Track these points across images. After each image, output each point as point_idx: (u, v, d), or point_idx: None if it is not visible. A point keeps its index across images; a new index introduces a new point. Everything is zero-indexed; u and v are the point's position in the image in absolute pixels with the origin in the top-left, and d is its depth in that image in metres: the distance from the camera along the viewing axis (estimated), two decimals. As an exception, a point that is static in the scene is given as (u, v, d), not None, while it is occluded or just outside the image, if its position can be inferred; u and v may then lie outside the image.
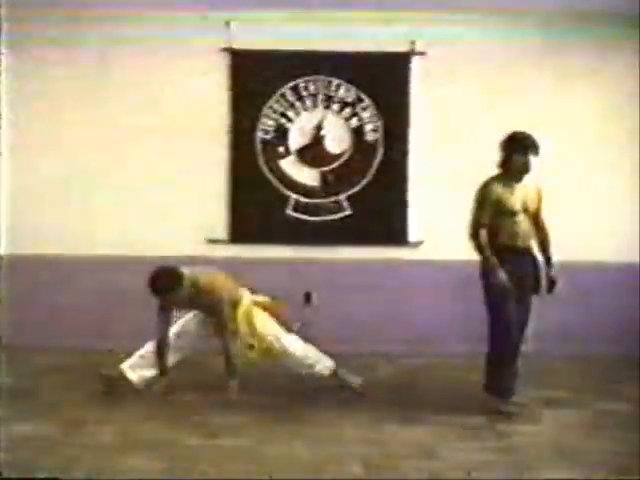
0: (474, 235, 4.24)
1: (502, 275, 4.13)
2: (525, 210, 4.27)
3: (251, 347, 4.50)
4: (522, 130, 4.32)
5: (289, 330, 4.63)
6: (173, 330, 4.61)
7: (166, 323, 4.56)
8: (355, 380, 4.65)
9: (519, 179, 4.27)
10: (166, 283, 4.40)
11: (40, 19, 5.78)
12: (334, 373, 4.62)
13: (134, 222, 5.85)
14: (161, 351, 4.55)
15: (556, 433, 3.95)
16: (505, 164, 4.28)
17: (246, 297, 4.62)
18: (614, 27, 5.77)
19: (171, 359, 4.59)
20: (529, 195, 4.31)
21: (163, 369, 4.56)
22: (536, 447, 3.70)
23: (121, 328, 5.64)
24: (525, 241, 4.27)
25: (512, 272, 4.15)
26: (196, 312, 4.67)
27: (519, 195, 4.26)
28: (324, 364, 4.61)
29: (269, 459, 3.49)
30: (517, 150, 4.23)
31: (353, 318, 5.78)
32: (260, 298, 4.68)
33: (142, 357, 4.59)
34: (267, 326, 4.55)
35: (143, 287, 5.52)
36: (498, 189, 4.23)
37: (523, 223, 4.25)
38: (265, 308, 4.63)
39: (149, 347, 4.59)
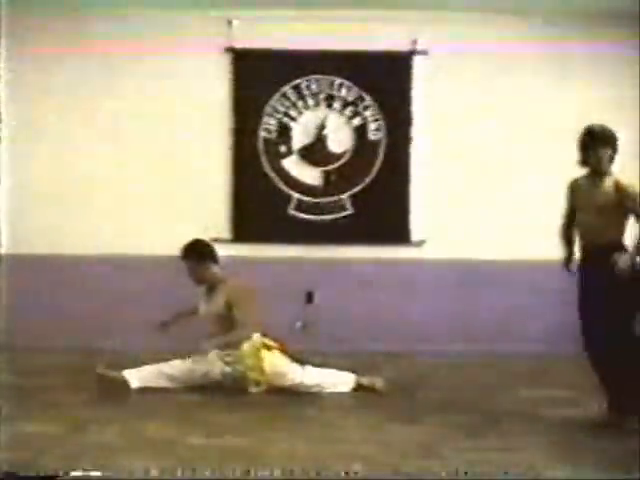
0: (560, 231, 4.22)
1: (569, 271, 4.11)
2: (596, 207, 3.96)
3: (257, 384, 4.54)
4: (598, 123, 4.06)
5: (302, 362, 4.63)
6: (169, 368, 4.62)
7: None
8: (377, 382, 4.65)
9: (600, 175, 4.00)
10: (198, 249, 4.69)
11: (40, 20, 5.80)
12: (357, 386, 4.63)
13: (136, 221, 5.85)
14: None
15: (557, 432, 3.92)
16: (583, 161, 4.04)
17: (256, 335, 4.64)
18: (615, 27, 5.75)
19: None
20: (604, 191, 3.98)
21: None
22: (537, 446, 3.67)
23: (122, 328, 5.63)
24: (597, 239, 3.96)
25: (589, 271, 3.99)
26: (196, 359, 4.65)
27: (592, 192, 4.01)
28: (343, 383, 4.63)
29: (270, 458, 3.46)
30: (590, 144, 3.99)
31: (354, 317, 5.77)
32: (268, 340, 4.68)
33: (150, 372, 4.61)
34: (277, 365, 4.57)
35: (145, 287, 5.57)
36: (574, 186, 4.13)
37: (595, 220, 3.96)
38: (273, 348, 4.64)
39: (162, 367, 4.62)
